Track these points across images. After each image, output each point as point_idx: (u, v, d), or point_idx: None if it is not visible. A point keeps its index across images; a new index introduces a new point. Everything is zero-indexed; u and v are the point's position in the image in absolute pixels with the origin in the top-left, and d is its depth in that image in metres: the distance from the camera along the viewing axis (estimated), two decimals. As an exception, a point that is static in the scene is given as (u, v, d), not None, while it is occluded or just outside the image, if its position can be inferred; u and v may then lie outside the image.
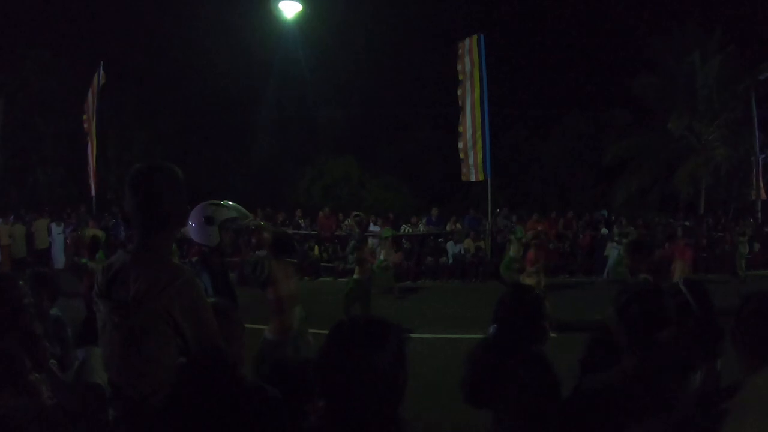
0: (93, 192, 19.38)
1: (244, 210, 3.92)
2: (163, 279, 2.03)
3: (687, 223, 16.95)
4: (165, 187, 2.16)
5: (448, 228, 16.77)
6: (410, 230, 16.87)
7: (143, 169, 2.19)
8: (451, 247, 15.97)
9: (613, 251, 13.84)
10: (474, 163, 15.54)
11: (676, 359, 2.32)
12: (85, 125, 19.42)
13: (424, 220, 17.36)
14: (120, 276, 2.10)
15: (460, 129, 15.81)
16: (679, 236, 12.56)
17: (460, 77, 15.91)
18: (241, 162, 26.09)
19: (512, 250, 11.67)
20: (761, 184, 21.48)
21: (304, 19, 21.98)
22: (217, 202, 3.81)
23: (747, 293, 2.03)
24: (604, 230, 16.84)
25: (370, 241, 16.66)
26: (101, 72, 18.74)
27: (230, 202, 3.89)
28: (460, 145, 15.76)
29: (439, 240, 16.54)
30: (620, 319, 2.27)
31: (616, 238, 13.94)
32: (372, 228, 17.17)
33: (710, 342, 2.73)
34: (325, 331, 1.58)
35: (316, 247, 16.48)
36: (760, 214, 21.03)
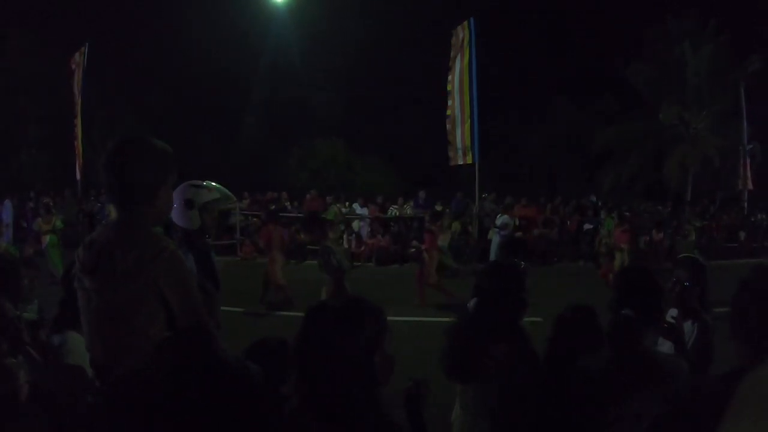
0: (78, 175, 19.14)
1: (226, 191, 3.83)
2: (149, 252, 2.04)
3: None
4: (134, 160, 2.13)
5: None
6: (397, 213, 16.81)
7: (114, 143, 2.18)
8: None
9: (495, 237, 13.88)
10: (462, 147, 15.49)
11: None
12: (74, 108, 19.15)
13: (410, 203, 17.29)
14: (105, 251, 2.08)
15: (449, 113, 15.74)
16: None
17: (451, 63, 15.83)
18: (228, 143, 25.98)
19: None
20: (748, 175, 21.65)
21: (294, 1, 21.85)
22: (199, 182, 3.70)
23: (742, 280, 1.96)
24: (587, 226, 16.80)
25: (356, 223, 16.65)
26: (86, 52, 18.46)
27: (213, 183, 3.80)
28: (449, 128, 15.71)
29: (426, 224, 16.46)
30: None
31: (499, 225, 13.95)
32: (359, 210, 17.15)
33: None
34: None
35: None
36: (746, 204, 21.19)
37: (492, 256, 13.50)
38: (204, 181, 3.76)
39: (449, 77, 15.84)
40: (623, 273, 2.86)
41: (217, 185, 3.80)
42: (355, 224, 16.51)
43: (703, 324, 3.12)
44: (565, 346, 2.59)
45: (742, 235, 17.25)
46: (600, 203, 18.74)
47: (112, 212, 14.67)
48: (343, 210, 17.11)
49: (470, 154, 15.32)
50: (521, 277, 2.87)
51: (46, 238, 12.18)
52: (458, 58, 15.59)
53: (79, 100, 18.67)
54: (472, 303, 2.97)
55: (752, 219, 18.65)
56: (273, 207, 14.85)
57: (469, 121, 15.19)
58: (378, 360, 1.55)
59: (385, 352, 1.58)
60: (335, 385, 1.50)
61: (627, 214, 14.48)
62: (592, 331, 2.63)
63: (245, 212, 16.95)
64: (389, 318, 1.66)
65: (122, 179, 2.12)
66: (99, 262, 2.08)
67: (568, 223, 16.97)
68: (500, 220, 13.68)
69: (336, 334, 1.51)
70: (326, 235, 6.94)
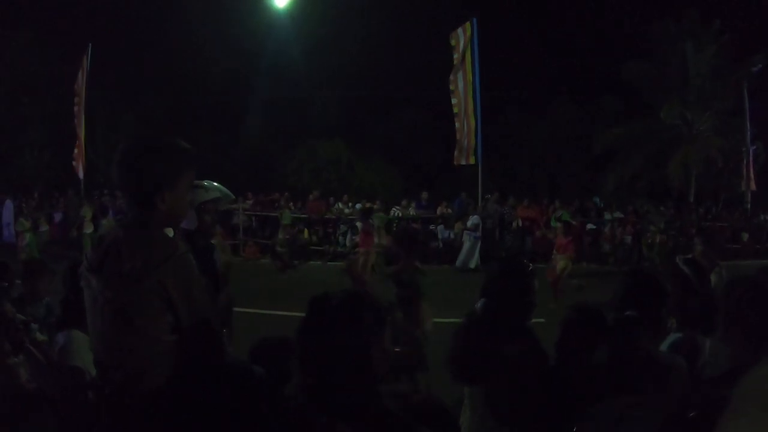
0: (81, 175, 19.14)
1: (226, 190, 3.84)
2: (158, 254, 1.99)
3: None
4: (137, 162, 2.09)
5: (438, 212, 16.72)
6: (400, 214, 16.79)
7: (123, 144, 2.16)
8: (441, 232, 15.91)
9: (467, 238, 13.78)
10: (466, 147, 15.50)
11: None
12: (76, 108, 19.17)
13: (413, 204, 17.26)
14: (113, 250, 2.04)
15: (456, 110, 15.73)
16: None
17: (455, 61, 15.82)
18: (230, 144, 25.96)
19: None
20: (751, 175, 21.58)
21: (294, 1, 21.85)
22: (197, 182, 3.65)
23: (730, 281, 1.97)
24: (589, 226, 16.74)
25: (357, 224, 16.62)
26: (89, 53, 18.48)
27: (214, 183, 3.78)
28: (457, 126, 15.71)
29: (430, 227, 16.46)
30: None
31: (470, 227, 13.84)
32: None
33: (709, 315, 2.88)
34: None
35: (306, 230, 16.40)
36: (749, 204, 21.14)
37: (461, 258, 13.49)
38: (205, 180, 3.74)
39: (451, 77, 15.83)
40: (630, 275, 2.83)
41: (218, 185, 3.79)
42: (357, 224, 16.51)
43: (691, 336, 3.02)
44: (573, 348, 2.58)
45: (745, 236, 17.22)
46: (603, 204, 18.70)
47: (87, 214, 14.78)
48: (346, 211, 17.13)
49: (473, 155, 15.34)
50: (529, 278, 2.86)
51: (26, 236, 12.28)
52: (460, 57, 15.57)
53: (81, 100, 18.70)
54: (479, 304, 2.95)
55: (755, 220, 18.62)
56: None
57: (474, 122, 15.20)
58: (376, 354, 1.54)
59: (383, 347, 1.57)
60: (335, 378, 1.51)
61: (574, 223, 14.17)
62: (599, 332, 2.62)
63: (248, 212, 17.00)
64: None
65: (125, 180, 2.11)
66: (106, 260, 2.05)
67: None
68: (471, 220, 13.64)
69: (334, 326, 1.52)
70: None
